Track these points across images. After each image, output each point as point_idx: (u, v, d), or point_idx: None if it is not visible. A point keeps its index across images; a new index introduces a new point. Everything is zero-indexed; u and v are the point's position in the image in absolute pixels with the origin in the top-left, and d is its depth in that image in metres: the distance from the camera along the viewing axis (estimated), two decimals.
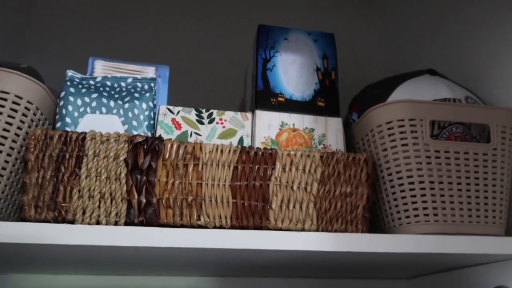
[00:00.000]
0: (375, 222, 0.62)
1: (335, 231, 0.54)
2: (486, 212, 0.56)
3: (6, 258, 0.56)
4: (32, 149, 0.51)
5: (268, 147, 0.59)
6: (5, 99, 0.51)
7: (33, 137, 0.52)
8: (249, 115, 0.61)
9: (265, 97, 0.62)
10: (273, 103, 0.62)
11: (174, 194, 0.52)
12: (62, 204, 0.50)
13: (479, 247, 0.54)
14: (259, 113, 0.61)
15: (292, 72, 0.64)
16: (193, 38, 0.97)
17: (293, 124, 0.61)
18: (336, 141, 0.61)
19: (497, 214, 0.56)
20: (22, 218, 0.50)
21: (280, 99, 0.62)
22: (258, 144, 0.59)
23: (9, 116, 0.51)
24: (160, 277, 0.74)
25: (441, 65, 0.74)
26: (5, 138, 0.51)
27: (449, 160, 0.56)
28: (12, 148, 0.51)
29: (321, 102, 0.63)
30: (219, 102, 0.74)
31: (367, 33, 1.04)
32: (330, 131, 0.62)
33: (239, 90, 0.80)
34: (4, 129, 0.51)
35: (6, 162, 0.51)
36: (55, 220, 0.49)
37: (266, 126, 0.60)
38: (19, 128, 0.52)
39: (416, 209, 0.55)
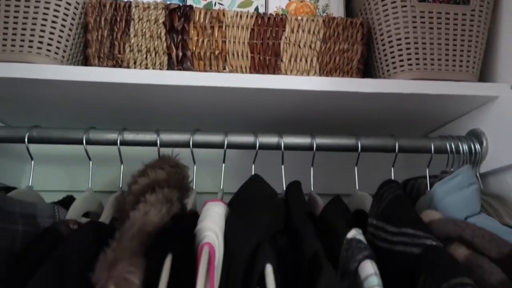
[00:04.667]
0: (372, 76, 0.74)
1: None
2: (461, 62, 0.67)
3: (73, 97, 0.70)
4: (90, 13, 0.65)
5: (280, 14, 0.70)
6: None
7: (90, 5, 0.65)
8: None
9: None
10: None
11: (204, 49, 0.66)
12: (118, 55, 0.64)
13: (451, 89, 0.66)
14: None
15: None
16: None
17: None
18: (337, 10, 0.72)
19: (470, 64, 0.68)
20: None
21: None
22: (270, 12, 0.71)
23: None
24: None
25: None
26: (69, 4, 0.64)
27: (432, 20, 0.67)
28: (75, 14, 0.64)
29: None
30: None
31: None
32: (332, 2, 0.72)
33: None
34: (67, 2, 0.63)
35: (71, 24, 0.64)
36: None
37: None
38: None
39: (401, 60, 0.67)
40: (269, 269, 0.40)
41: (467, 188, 0.58)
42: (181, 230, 0.46)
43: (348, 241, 0.44)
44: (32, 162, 0.64)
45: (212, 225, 0.48)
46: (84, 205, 0.60)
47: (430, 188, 0.66)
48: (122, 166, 0.65)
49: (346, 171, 0.72)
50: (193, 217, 0.53)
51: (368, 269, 0.40)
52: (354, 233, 0.45)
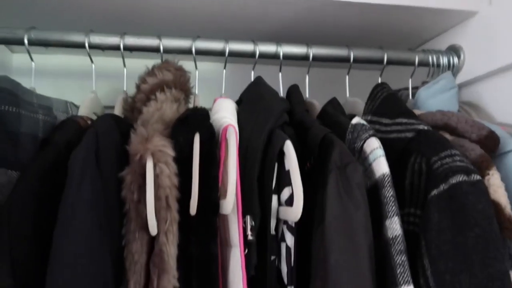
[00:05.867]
0: None
1: None
2: None
3: None
4: None
5: None
6: None
7: None
8: None
9: None
10: None
11: None
12: None
13: (437, 2, 0.70)
14: None
15: None
16: None
17: None
18: None
19: None
20: None
21: None
22: None
23: None
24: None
25: None
26: None
27: None
28: None
29: None
30: None
31: None
32: None
33: None
34: None
35: None
36: None
37: None
38: None
39: None
40: (288, 143, 0.45)
41: (448, 91, 0.65)
42: (201, 115, 0.49)
43: (353, 125, 0.50)
44: (33, 63, 0.64)
45: (228, 114, 0.52)
46: (91, 106, 0.62)
47: (412, 98, 0.72)
48: (125, 70, 0.66)
49: (335, 90, 0.76)
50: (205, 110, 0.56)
51: (373, 143, 0.46)
52: (357, 119, 0.51)
